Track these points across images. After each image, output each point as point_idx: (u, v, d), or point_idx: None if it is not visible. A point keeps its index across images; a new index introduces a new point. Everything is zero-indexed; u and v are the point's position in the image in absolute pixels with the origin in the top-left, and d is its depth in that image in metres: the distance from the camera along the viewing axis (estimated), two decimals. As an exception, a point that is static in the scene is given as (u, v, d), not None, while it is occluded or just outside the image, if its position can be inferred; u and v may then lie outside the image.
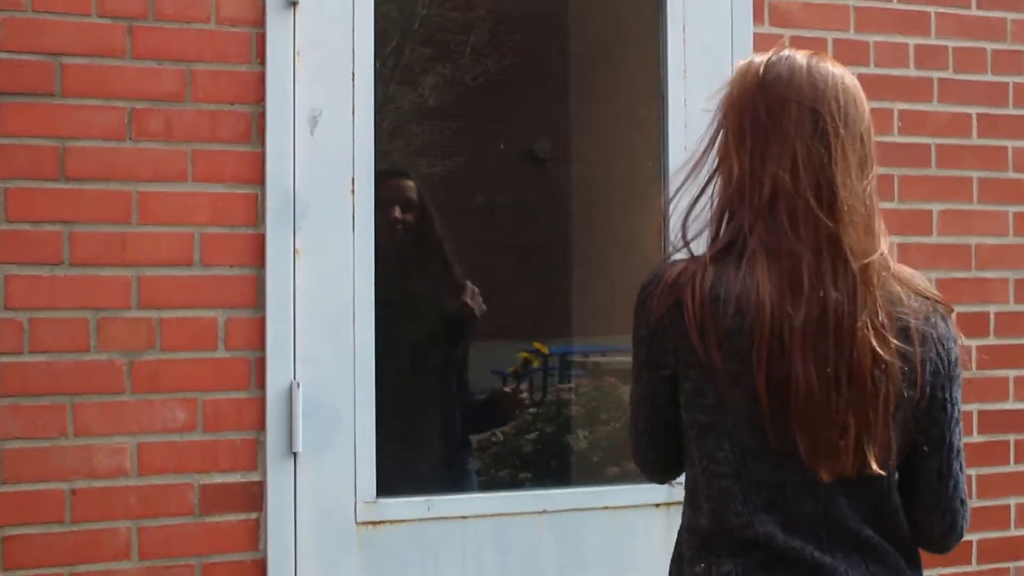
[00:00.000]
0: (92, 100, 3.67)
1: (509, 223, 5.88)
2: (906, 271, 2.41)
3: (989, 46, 4.76)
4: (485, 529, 4.10)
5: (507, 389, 5.05)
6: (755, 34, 4.40)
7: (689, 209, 2.44)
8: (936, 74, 4.67)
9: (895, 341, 2.30)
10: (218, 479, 3.77)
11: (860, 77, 2.49)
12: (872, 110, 2.43)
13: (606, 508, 4.24)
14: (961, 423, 2.43)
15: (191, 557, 3.74)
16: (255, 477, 3.81)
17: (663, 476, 2.64)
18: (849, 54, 4.46)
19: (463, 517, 4.07)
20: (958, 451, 2.43)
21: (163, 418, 3.72)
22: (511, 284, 5.47)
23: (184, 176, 3.75)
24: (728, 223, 2.39)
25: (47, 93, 3.64)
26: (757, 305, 2.28)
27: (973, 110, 4.73)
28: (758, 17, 4.44)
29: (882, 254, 2.35)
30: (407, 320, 4.54)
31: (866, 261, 2.30)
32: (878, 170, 2.41)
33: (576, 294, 5.53)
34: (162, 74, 3.74)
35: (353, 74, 3.95)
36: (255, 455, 3.80)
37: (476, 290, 4.64)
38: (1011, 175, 4.79)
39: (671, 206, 2.47)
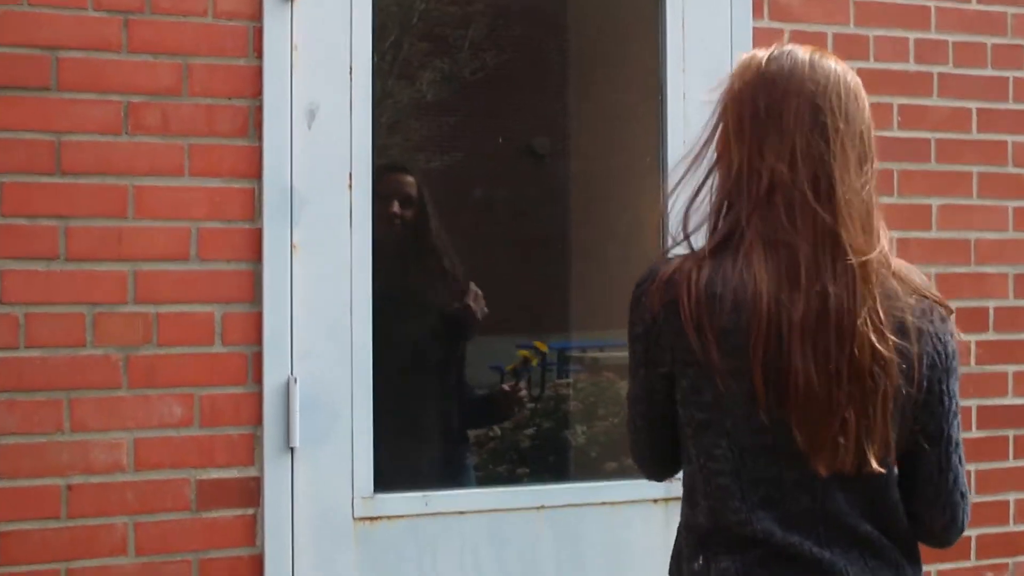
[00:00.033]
0: (88, 94, 3.66)
1: (508, 218, 5.87)
2: (906, 269, 2.41)
3: (989, 40, 4.75)
4: (482, 525, 4.09)
5: (506, 387, 5.04)
6: (754, 28, 4.40)
7: (689, 202, 2.44)
8: (936, 68, 4.66)
9: (893, 338, 2.30)
10: (215, 474, 3.76)
11: (860, 71, 2.49)
12: (872, 104, 2.43)
13: (604, 504, 4.23)
14: (959, 416, 2.43)
15: (188, 553, 3.73)
16: (252, 472, 3.80)
17: (661, 473, 2.64)
18: (849, 48, 4.46)
19: (460, 513, 4.07)
20: (957, 444, 2.43)
21: (160, 413, 3.71)
22: (509, 279, 5.46)
23: (181, 170, 3.74)
24: (726, 215, 2.39)
25: (43, 87, 3.63)
26: (754, 296, 2.28)
27: (973, 105, 4.72)
28: (757, 11, 4.43)
29: (883, 251, 2.35)
30: (405, 315, 4.54)
31: (865, 258, 2.29)
32: (878, 168, 2.40)
33: (574, 289, 5.52)
34: (158, 68, 3.73)
35: (351, 68, 3.94)
36: (252, 450, 3.80)
37: (479, 292, 4.63)
38: (1011, 170, 4.78)
39: (670, 200, 2.48)
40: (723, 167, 2.41)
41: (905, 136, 4.61)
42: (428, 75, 5.96)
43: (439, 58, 6.08)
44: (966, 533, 2.57)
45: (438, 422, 4.71)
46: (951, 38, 4.70)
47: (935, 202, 4.66)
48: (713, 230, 2.40)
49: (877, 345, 2.27)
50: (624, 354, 2.51)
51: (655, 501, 4.21)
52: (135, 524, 3.68)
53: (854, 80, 2.40)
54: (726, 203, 2.40)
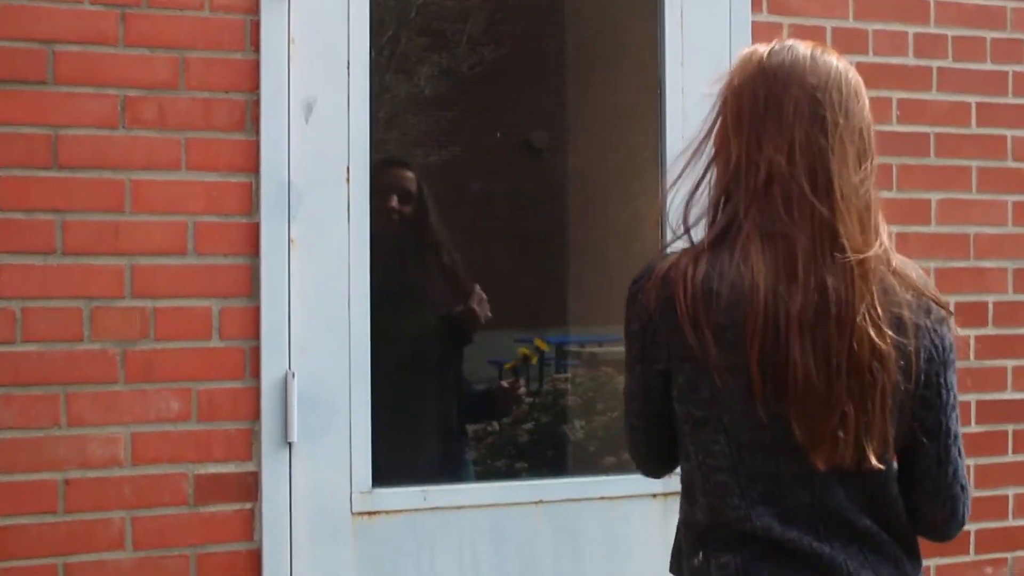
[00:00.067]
0: (85, 88, 3.66)
1: (505, 213, 5.86)
2: (906, 267, 2.40)
3: (988, 35, 4.75)
4: (481, 520, 4.09)
5: (505, 384, 5.03)
6: (753, 22, 4.39)
7: (689, 196, 2.44)
8: (935, 63, 4.66)
9: (890, 333, 2.30)
10: (212, 469, 3.76)
11: (859, 66, 2.49)
12: (871, 99, 2.43)
13: (602, 498, 4.23)
14: (958, 409, 2.43)
15: (185, 547, 3.73)
16: (250, 467, 3.80)
17: (658, 470, 2.65)
18: (848, 42, 4.46)
19: (459, 507, 4.07)
20: (956, 436, 2.43)
21: (157, 408, 3.71)
22: (507, 274, 5.45)
23: (178, 164, 3.73)
24: (724, 208, 2.39)
25: (39, 81, 3.62)
26: (751, 289, 2.28)
27: (972, 99, 4.72)
28: (756, 5, 4.43)
29: (883, 248, 2.35)
30: (404, 310, 4.53)
31: (863, 256, 2.29)
32: (878, 165, 2.40)
33: (573, 284, 5.52)
34: (155, 62, 3.72)
35: (348, 63, 3.93)
36: (250, 445, 3.79)
37: (484, 296, 4.63)
38: (1010, 164, 4.78)
39: (669, 195, 2.48)
40: (721, 160, 2.41)
41: (904, 130, 4.60)
42: (426, 70, 5.95)
43: (437, 53, 6.07)
44: (965, 528, 2.56)
45: (436, 417, 4.71)
46: (950, 32, 4.69)
47: (934, 196, 4.65)
48: (711, 223, 2.40)
49: (875, 340, 2.27)
50: (623, 349, 2.50)
51: (654, 496, 4.21)
52: (132, 519, 3.68)
53: (855, 78, 2.40)
54: (724, 196, 2.39)
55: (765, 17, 4.41)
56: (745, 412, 2.30)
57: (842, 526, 2.34)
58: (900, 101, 4.60)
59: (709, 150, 2.44)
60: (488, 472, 5.09)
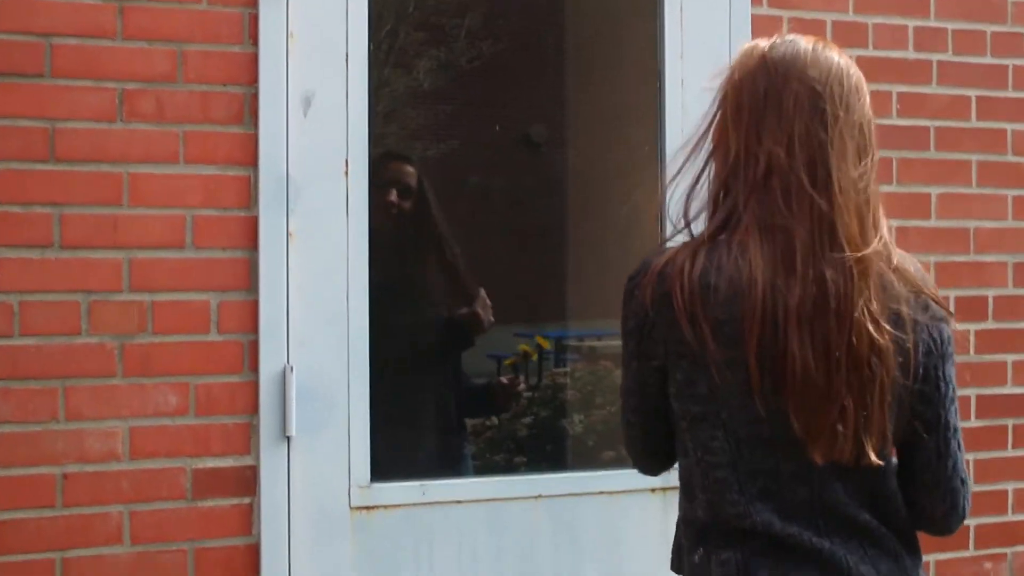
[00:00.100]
0: (83, 81, 3.65)
1: (504, 207, 5.87)
2: (908, 266, 2.40)
3: (989, 28, 4.74)
4: (480, 514, 4.09)
5: (504, 380, 5.03)
6: (753, 15, 4.39)
7: (690, 190, 2.44)
8: (935, 56, 4.65)
9: (889, 328, 2.29)
10: (211, 463, 3.76)
11: (859, 59, 2.49)
12: (871, 92, 2.43)
13: (602, 493, 4.23)
14: (957, 402, 2.43)
15: (183, 542, 3.72)
16: (248, 461, 3.79)
17: (655, 467, 2.64)
18: (848, 36, 4.45)
19: (458, 502, 4.06)
20: (955, 430, 2.42)
21: (155, 402, 3.70)
22: (506, 268, 5.46)
23: (176, 158, 3.73)
24: (723, 201, 2.39)
25: (37, 74, 3.61)
26: (749, 282, 2.27)
27: (972, 93, 4.71)
28: (756, -2, 4.42)
29: (884, 244, 2.35)
30: (403, 305, 4.53)
31: (861, 254, 2.29)
32: (878, 161, 2.40)
33: (571, 278, 5.52)
34: (153, 55, 3.71)
35: (347, 56, 3.93)
36: (248, 439, 3.79)
37: (488, 301, 4.63)
38: (1010, 158, 4.77)
39: (668, 190, 2.48)
40: (721, 153, 2.41)
41: (904, 124, 4.60)
42: (424, 64, 5.95)
43: (435, 47, 6.08)
44: (964, 523, 2.56)
45: (435, 411, 4.70)
46: (950, 26, 4.68)
47: (934, 191, 4.65)
48: (711, 217, 2.40)
49: (874, 335, 2.27)
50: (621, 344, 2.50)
51: (653, 491, 4.20)
52: (130, 513, 3.67)
53: (856, 73, 2.40)
54: (723, 189, 2.39)
55: (765, 10, 4.40)
56: (743, 407, 2.30)
57: (842, 521, 2.33)
58: (900, 95, 4.59)
59: (709, 144, 2.44)
60: (487, 466, 5.09)
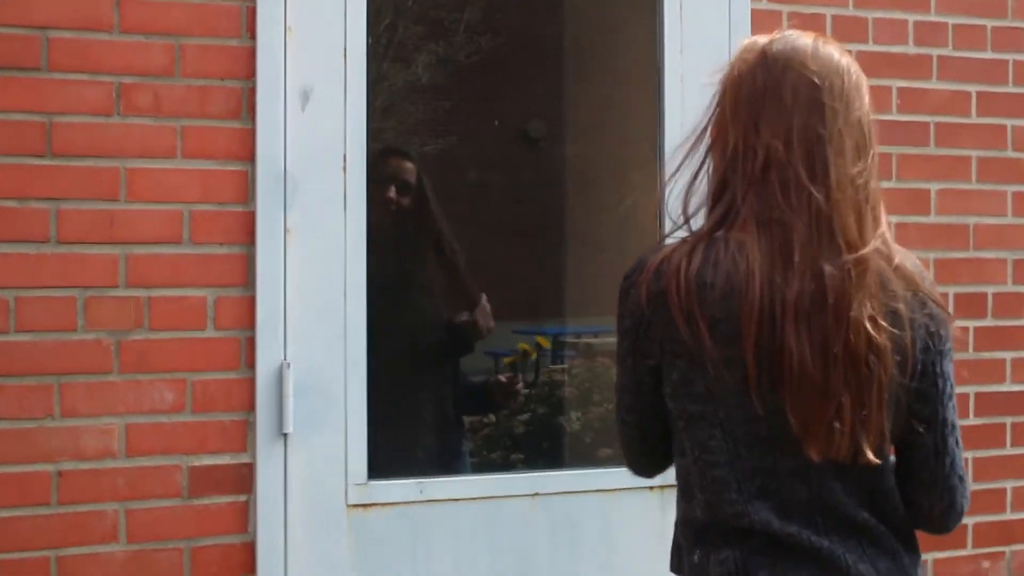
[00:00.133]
0: (79, 75, 3.64)
1: (502, 203, 5.87)
2: (908, 263, 2.39)
3: (989, 23, 4.74)
4: (477, 512, 4.08)
5: (502, 378, 5.02)
6: (753, 10, 4.38)
7: (689, 185, 2.43)
8: (935, 51, 4.65)
9: (886, 325, 2.29)
10: (207, 461, 3.74)
11: (859, 54, 2.48)
12: (871, 88, 2.43)
13: (599, 491, 4.22)
14: (955, 400, 2.43)
15: (179, 540, 3.71)
16: (244, 459, 3.78)
17: (650, 468, 2.63)
18: (848, 31, 4.45)
19: (455, 500, 4.06)
20: (953, 427, 2.42)
21: (151, 399, 3.69)
22: (504, 264, 5.45)
23: (173, 152, 3.71)
24: (722, 196, 2.38)
25: (33, 67, 3.60)
26: (747, 276, 2.27)
27: (972, 88, 4.71)
28: (756, -8, 4.41)
29: (884, 242, 2.34)
30: (401, 302, 4.52)
31: (860, 254, 2.28)
32: (878, 158, 2.39)
33: (570, 274, 5.52)
34: (150, 48, 3.70)
35: (345, 50, 3.92)
36: (245, 436, 3.78)
37: (487, 308, 4.62)
38: (1010, 154, 4.77)
39: (667, 187, 2.47)
40: (719, 148, 2.41)
41: (904, 119, 4.60)
42: (423, 58, 5.94)
43: (434, 41, 6.07)
44: (963, 521, 2.55)
45: (433, 408, 4.70)
46: (951, 20, 4.68)
47: (934, 187, 4.65)
48: (710, 212, 2.39)
49: (872, 333, 2.26)
50: (618, 341, 2.49)
51: (651, 488, 4.19)
52: (126, 511, 3.66)
53: (857, 72, 2.40)
54: (722, 184, 2.39)
55: (765, 5, 4.40)
56: (741, 405, 2.29)
57: (840, 520, 2.33)
58: (900, 90, 4.59)
59: (708, 140, 2.44)
60: (484, 464, 5.09)
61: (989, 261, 4.73)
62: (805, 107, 2.32)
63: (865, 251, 2.29)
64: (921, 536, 2.47)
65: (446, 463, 4.69)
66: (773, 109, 2.33)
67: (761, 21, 4.29)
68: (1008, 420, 4.74)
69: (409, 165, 4.61)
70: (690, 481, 2.40)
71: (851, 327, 2.25)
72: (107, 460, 3.65)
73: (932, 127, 4.64)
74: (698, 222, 2.40)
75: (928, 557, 4.40)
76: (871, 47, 4.52)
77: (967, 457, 4.44)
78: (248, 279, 3.78)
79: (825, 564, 2.30)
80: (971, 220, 4.70)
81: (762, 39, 2.43)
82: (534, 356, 5.28)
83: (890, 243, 2.36)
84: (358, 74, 3.93)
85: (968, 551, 4.65)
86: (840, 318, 2.25)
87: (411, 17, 5.78)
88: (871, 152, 2.36)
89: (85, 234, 3.63)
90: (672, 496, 2.51)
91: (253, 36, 3.79)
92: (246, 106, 3.78)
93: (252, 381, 3.78)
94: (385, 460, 4.00)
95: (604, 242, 5.17)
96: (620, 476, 4.14)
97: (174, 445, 3.71)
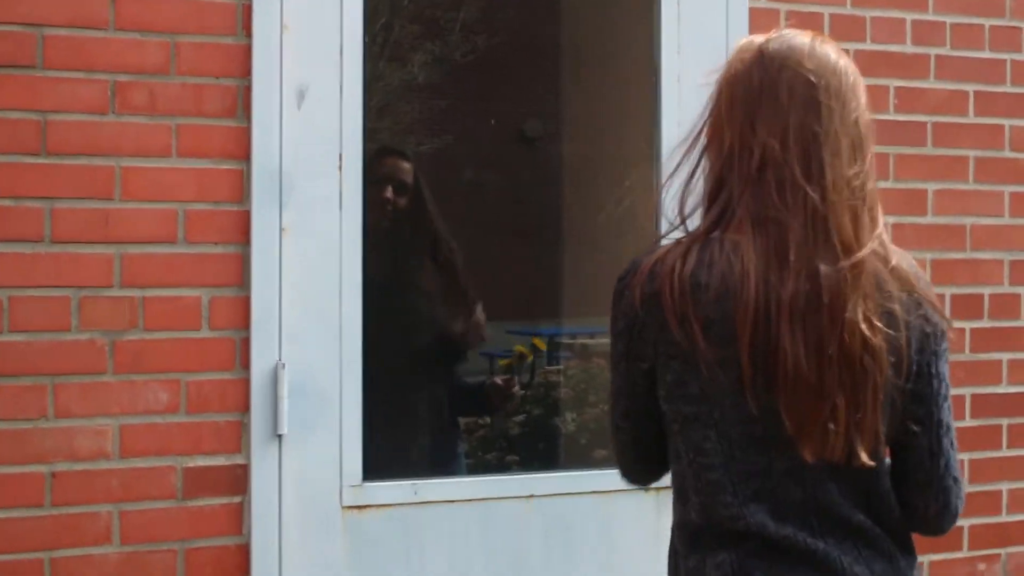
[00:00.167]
0: (74, 72, 3.62)
1: (498, 203, 5.86)
2: (905, 265, 2.39)
3: (987, 22, 4.73)
4: (472, 514, 4.08)
5: (499, 380, 5.01)
6: (751, 9, 4.38)
7: (685, 185, 2.43)
8: (933, 50, 4.65)
9: (881, 326, 2.28)
10: (201, 462, 3.73)
11: (857, 53, 2.47)
12: (868, 87, 2.43)
13: (595, 492, 4.22)
14: (950, 400, 2.42)
15: (173, 542, 3.71)
16: (239, 460, 3.77)
17: (645, 476, 2.62)
18: (846, 30, 4.45)
19: (450, 502, 4.05)
20: (948, 428, 2.41)
21: (145, 399, 3.68)
22: (499, 264, 5.45)
23: (168, 151, 3.70)
24: (718, 195, 2.38)
25: (28, 65, 3.58)
26: (742, 277, 2.27)
27: (970, 87, 4.71)
28: (754, -9, 4.41)
29: (882, 243, 2.34)
30: (397, 302, 4.52)
31: (856, 258, 2.28)
32: (874, 161, 2.38)
33: (565, 274, 5.51)
34: (146, 46, 3.69)
35: (341, 49, 3.91)
36: (239, 437, 3.77)
37: (481, 321, 4.63)
38: (1008, 154, 4.77)
39: (664, 188, 2.48)
40: (715, 147, 2.40)
41: (901, 119, 4.60)
42: (419, 57, 5.94)
43: (430, 40, 6.06)
44: (958, 523, 2.55)
45: (428, 410, 4.70)
46: (949, 19, 4.68)
47: (931, 187, 4.65)
48: (706, 212, 2.39)
49: (867, 334, 2.26)
50: (613, 343, 2.48)
51: (646, 490, 4.18)
52: (120, 512, 3.65)
53: (855, 73, 2.40)
54: (718, 184, 2.39)
55: (763, 3, 4.40)
56: (735, 406, 2.29)
57: (836, 522, 2.33)
58: (897, 89, 4.59)
59: (704, 140, 2.43)
60: (479, 465, 5.08)
61: (986, 262, 4.73)
62: (801, 106, 2.32)
63: (862, 253, 2.28)
64: (917, 538, 2.46)
65: (441, 465, 4.69)
66: (769, 108, 2.33)
67: (759, 20, 4.29)
68: (1004, 421, 4.74)
69: (406, 165, 4.60)
70: (685, 484, 2.40)
71: (846, 328, 2.25)
72: (101, 461, 3.64)
73: (929, 127, 4.64)
74: (695, 222, 2.40)
75: (924, 559, 4.39)
76: (869, 46, 4.52)
77: (963, 459, 4.41)
78: (243, 279, 3.77)
79: (821, 566, 2.30)
80: (968, 220, 4.70)
81: (759, 38, 2.43)
82: (531, 359, 5.27)
83: (887, 244, 2.36)
84: (354, 72, 3.92)
85: (964, 553, 4.65)
86: (835, 319, 2.25)
87: (407, 16, 5.78)
88: (868, 153, 2.36)
89: (79, 233, 3.62)
90: (668, 498, 2.51)
91: (249, 34, 3.78)
92: (241, 104, 3.77)
93: (247, 382, 3.77)
94: (380, 462, 3.99)
95: (600, 242, 5.16)
96: (615, 478, 4.09)
97: (168, 446, 3.70)
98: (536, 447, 5.37)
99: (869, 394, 2.27)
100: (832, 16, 4.48)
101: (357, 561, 3.90)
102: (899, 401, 2.33)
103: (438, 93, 6.15)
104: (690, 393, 2.33)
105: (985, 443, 4.70)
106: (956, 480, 2.43)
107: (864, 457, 2.27)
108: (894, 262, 2.35)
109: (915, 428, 2.37)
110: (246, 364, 3.77)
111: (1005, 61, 4.77)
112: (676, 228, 2.41)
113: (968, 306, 4.67)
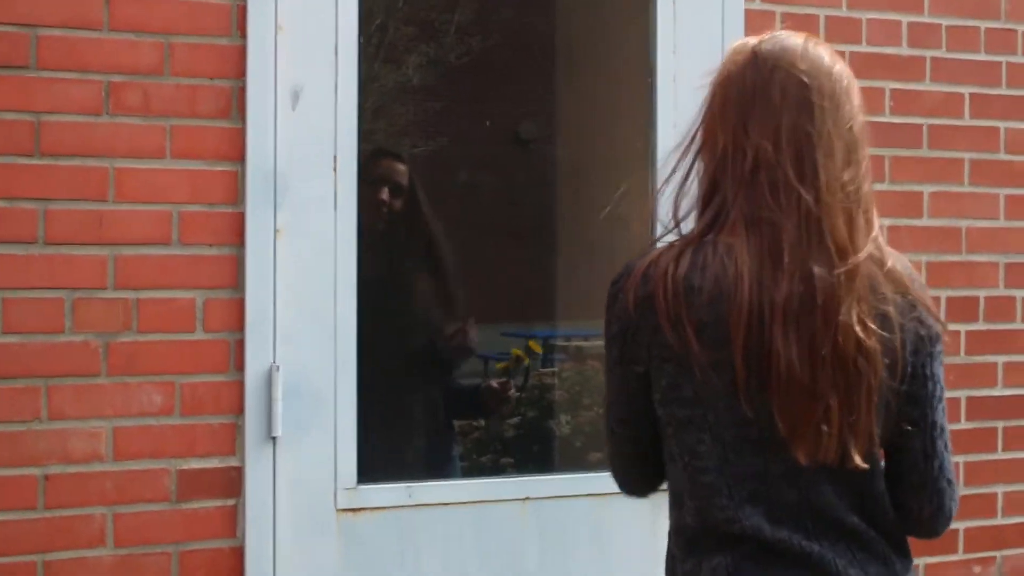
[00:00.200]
0: (68, 73, 3.62)
1: (493, 204, 5.86)
2: (899, 267, 2.38)
3: (983, 25, 4.74)
4: (467, 517, 4.07)
5: (494, 384, 5.00)
6: (746, 10, 4.38)
7: (679, 188, 2.42)
8: (929, 53, 4.65)
9: (876, 328, 2.28)
10: (195, 464, 3.73)
11: (852, 55, 2.47)
12: (864, 89, 2.43)
13: (590, 495, 4.20)
14: (944, 402, 2.41)
15: (167, 544, 3.70)
16: (233, 462, 3.76)
17: (642, 485, 2.61)
18: (841, 32, 4.45)
19: (444, 504, 4.05)
20: (942, 430, 2.40)
21: (139, 401, 3.67)
22: (495, 267, 5.45)
23: (162, 152, 3.70)
24: (712, 198, 2.37)
25: (22, 65, 3.58)
26: (735, 279, 2.26)
27: (966, 90, 4.71)
28: (749, -7, 4.41)
29: (878, 246, 2.33)
30: (392, 304, 4.51)
31: (851, 263, 2.27)
32: (869, 164, 2.38)
33: (560, 277, 5.51)
34: (140, 47, 3.68)
35: (336, 50, 3.90)
36: (233, 440, 3.76)
37: (472, 333, 4.61)
38: (1003, 157, 4.77)
39: (660, 194, 2.47)
40: (709, 149, 2.40)
41: (897, 121, 4.60)
42: (414, 59, 5.95)
43: (425, 42, 6.08)
44: (953, 526, 2.55)
45: (423, 412, 4.69)
46: (944, 22, 4.68)
47: (927, 189, 4.65)
48: (700, 215, 2.38)
49: (861, 336, 2.25)
50: (608, 346, 2.48)
51: (642, 492, 4.17)
52: (114, 515, 3.64)
53: (848, 76, 2.39)
54: (712, 186, 2.38)
55: (758, 5, 4.40)
56: (729, 408, 2.28)
57: (830, 524, 2.32)
58: (893, 91, 4.59)
59: (699, 142, 2.43)
60: (474, 468, 5.08)
61: (981, 264, 4.73)
62: (794, 106, 2.31)
63: (859, 257, 2.28)
64: (912, 541, 2.45)
65: (436, 467, 4.69)
66: (762, 109, 2.32)
67: (755, 21, 4.29)
68: (1000, 424, 4.74)
69: (401, 167, 4.60)
70: (681, 488, 2.39)
71: (840, 330, 2.24)
72: (95, 463, 3.63)
73: (925, 129, 4.64)
74: (689, 225, 2.39)
75: (919, 562, 4.39)
76: (864, 48, 4.52)
77: (958, 461, 4.43)
78: (237, 280, 3.76)
79: (815, 569, 2.29)
80: (963, 223, 4.70)
81: (752, 40, 2.42)
82: (527, 362, 5.27)
83: (883, 247, 2.35)
84: (349, 74, 3.91)
85: (959, 556, 4.65)
86: (829, 321, 2.24)
87: (402, 18, 5.79)
88: (863, 155, 2.35)
89: (73, 235, 3.61)
90: (662, 501, 2.50)
91: (243, 35, 3.77)
92: (236, 106, 3.77)
93: (241, 384, 3.76)
94: (375, 464, 3.98)
95: (595, 244, 5.16)
96: (610, 481, 4.12)
97: (162, 448, 3.69)
98: (531, 450, 5.37)
99: (863, 396, 2.26)
100: (828, 18, 4.48)
101: (351, 564, 3.90)
102: (893, 403, 2.32)
103: (433, 95, 6.16)
104: (684, 396, 2.32)
105: (981, 446, 4.70)
106: (950, 482, 2.43)
107: (858, 459, 2.26)
108: (889, 264, 2.34)
109: (909, 430, 2.36)
110: (240, 366, 3.76)
111: (1001, 63, 4.77)
112: (670, 231, 2.41)
113: (963, 308, 4.67)
